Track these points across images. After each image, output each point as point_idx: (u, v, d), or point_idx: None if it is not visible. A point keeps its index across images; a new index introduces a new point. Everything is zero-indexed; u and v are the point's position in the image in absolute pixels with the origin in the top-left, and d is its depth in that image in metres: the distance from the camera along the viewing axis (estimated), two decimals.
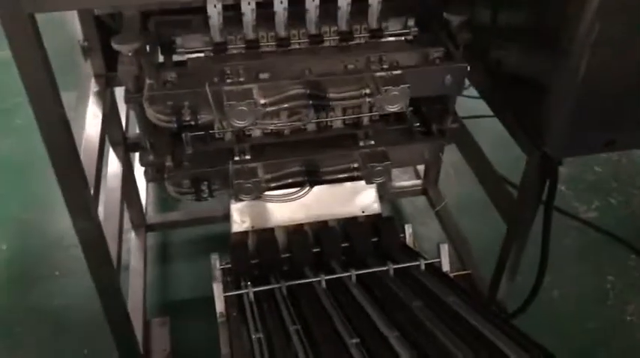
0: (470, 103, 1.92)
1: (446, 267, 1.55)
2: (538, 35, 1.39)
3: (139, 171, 2.02)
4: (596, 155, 2.78)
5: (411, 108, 1.65)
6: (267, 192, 1.59)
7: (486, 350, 1.15)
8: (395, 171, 2.61)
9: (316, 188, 1.66)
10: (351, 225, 1.75)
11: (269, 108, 1.35)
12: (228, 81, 1.39)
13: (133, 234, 2.13)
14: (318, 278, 1.50)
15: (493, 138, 1.58)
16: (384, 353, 1.14)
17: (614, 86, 1.29)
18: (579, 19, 1.20)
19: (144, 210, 2.18)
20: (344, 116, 1.60)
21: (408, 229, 1.74)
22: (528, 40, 1.44)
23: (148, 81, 1.33)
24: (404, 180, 2.50)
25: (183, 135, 1.50)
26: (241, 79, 1.38)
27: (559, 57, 1.29)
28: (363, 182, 1.62)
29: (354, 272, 1.52)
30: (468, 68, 1.47)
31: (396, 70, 1.40)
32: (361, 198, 1.80)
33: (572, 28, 1.22)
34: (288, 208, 1.75)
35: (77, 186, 1.26)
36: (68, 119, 1.19)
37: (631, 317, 2.08)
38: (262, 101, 1.33)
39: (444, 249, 1.57)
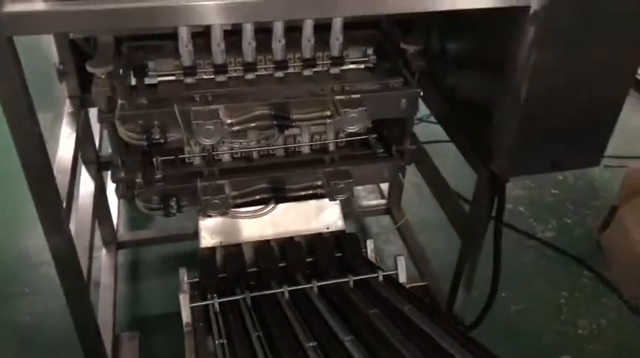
0: (433, 128, 2.03)
1: (402, 278, 1.64)
2: (485, 62, 1.52)
3: (111, 190, 2.09)
4: (553, 178, 2.93)
5: (375, 135, 1.76)
6: (234, 209, 1.67)
7: (436, 354, 1.23)
8: (362, 192, 2.73)
9: (283, 205, 1.75)
10: (316, 241, 1.83)
11: (235, 128, 1.44)
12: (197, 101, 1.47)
13: (104, 251, 2.17)
14: (282, 290, 1.58)
15: (456, 160, 1.69)
16: (338, 355, 1.22)
17: (555, 109, 1.41)
18: (519, 46, 1.32)
19: (115, 228, 2.23)
20: (311, 142, 1.70)
21: (370, 244, 1.82)
22: (477, 67, 1.56)
23: (119, 101, 1.41)
24: (370, 199, 2.61)
25: (154, 159, 1.58)
26: (209, 99, 1.47)
27: (503, 83, 1.40)
28: (328, 200, 1.72)
29: (315, 284, 1.59)
30: (421, 93, 1.58)
31: (355, 94, 1.51)
32: (326, 215, 1.88)
33: (514, 55, 1.34)
34: (256, 224, 1.82)
35: (50, 202, 1.31)
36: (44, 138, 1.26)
37: (582, 331, 2.18)
38: (229, 121, 1.42)
39: (401, 261, 1.66)
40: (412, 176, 2.09)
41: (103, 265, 2.13)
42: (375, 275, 1.63)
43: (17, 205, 2.44)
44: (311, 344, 1.27)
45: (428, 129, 2.24)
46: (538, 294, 2.33)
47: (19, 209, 2.46)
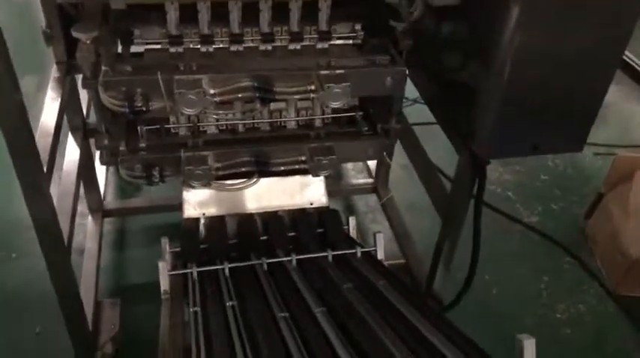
0: (426, 110, 2.03)
1: (380, 255, 1.65)
2: (470, 43, 1.51)
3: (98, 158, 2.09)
4: (543, 164, 2.94)
5: (361, 113, 1.77)
6: (217, 181, 1.68)
7: (405, 328, 1.25)
8: (351, 171, 2.75)
9: (268, 180, 1.76)
10: (299, 216, 1.85)
11: (218, 98, 1.44)
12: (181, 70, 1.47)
13: (90, 219, 2.19)
14: (260, 261, 1.59)
15: (447, 142, 1.69)
16: (308, 325, 1.24)
17: (537, 92, 1.41)
18: (503, 29, 1.31)
19: (102, 196, 2.25)
20: (297, 117, 1.70)
21: (352, 222, 1.84)
22: (463, 47, 1.56)
23: (103, 68, 1.41)
24: (358, 178, 2.63)
25: (139, 128, 1.58)
26: (193, 69, 1.47)
27: (486, 64, 1.40)
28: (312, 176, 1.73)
29: (294, 257, 1.61)
30: (407, 71, 1.58)
31: (340, 69, 1.51)
32: (310, 191, 1.89)
33: (497, 38, 1.34)
34: (240, 198, 1.83)
35: (31, 166, 1.32)
36: (25, 102, 1.25)
37: (560, 315, 2.21)
38: (212, 91, 1.43)
39: (380, 238, 1.68)
40: (403, 157, 2.10)
41: (88, 232, 2.15)
42: (354, 251, 1.65)
43: (7, 171, 2.45)
44: (283, 314, 1.29)
45: (421, 110, 2.23)
46: (520, 278, 2.35)
47: (9, 175, 2.46)
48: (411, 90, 1.73)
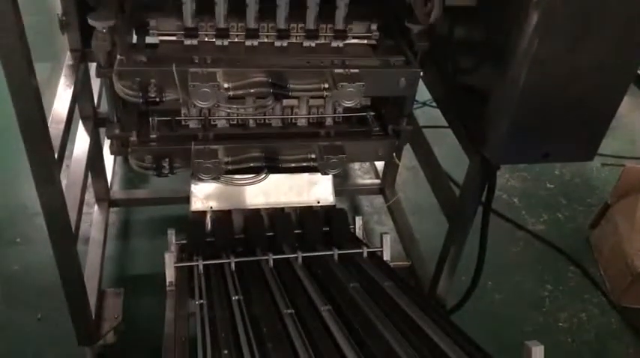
0: (436, 113, 2.02)
1: (387, 255, 1.65)
2: (486, 48, 1.51)
3: (107, 149, 2.09)
4: (550, 173, 2.94)
5: (372, 113, 1.76)
6: (226, 175, 1.68)
7: (410, 330, 1.25)
8: (358, 171, 2.75)
9: (276, 176, 1.76)
10: (305, 214, 1.85)
11: (232, 92, 1.44)
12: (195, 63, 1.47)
13: (96, 208, 2.19)
14: (266, 257, 1.59)
15: (456, 146, 1.68)
16: (314, 323, 1.24)
17: (552, 100, 1.41)
18: (520, 35, 1.31)
19: (109, 185, 2.25)
20: (308, 115, 1.69)
21: (359, 221, 1.84)
22: (478, 52, 1.56)
23: (118, 57, 1.41)
24: (364, 179, 2.62)
25: (150, 119, 1.58)
26: (207, 62, 1.47)
27: (502, 70, 1.40)
28: (320, 174, 1.73)
29: (300, 254, 1.61)
30: (422, 73, 1.58)
31: (354, 68, 1.51)
32: (318, 189, 1.89)
33: (514, 43, 1.33)
34: (248, 193, 1.83)
35: (43, 152, 1.32)
36: (39, 89, 1.25)
37: (562, 324, 2.21)
38: (226, 85, 1.42)
39: (386, 239, 1.68)
40: (410, 159, 2.09)
41: (94, 221, 2.15)
42: (360, 250, 1.65)
43: (15, 157, 2.45)
44: (288, 311, 1.29)
45: (430, 113, 2.23)
46: (523, 285, 2.35)
47: (19, 159, 2.46)
48: (420, 93, 1.73)
